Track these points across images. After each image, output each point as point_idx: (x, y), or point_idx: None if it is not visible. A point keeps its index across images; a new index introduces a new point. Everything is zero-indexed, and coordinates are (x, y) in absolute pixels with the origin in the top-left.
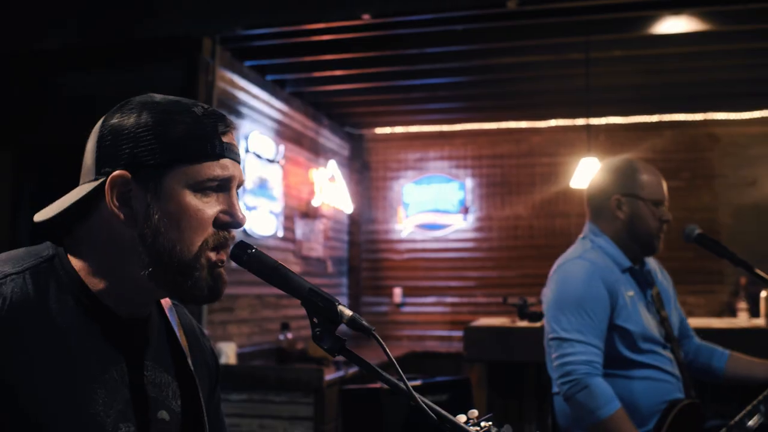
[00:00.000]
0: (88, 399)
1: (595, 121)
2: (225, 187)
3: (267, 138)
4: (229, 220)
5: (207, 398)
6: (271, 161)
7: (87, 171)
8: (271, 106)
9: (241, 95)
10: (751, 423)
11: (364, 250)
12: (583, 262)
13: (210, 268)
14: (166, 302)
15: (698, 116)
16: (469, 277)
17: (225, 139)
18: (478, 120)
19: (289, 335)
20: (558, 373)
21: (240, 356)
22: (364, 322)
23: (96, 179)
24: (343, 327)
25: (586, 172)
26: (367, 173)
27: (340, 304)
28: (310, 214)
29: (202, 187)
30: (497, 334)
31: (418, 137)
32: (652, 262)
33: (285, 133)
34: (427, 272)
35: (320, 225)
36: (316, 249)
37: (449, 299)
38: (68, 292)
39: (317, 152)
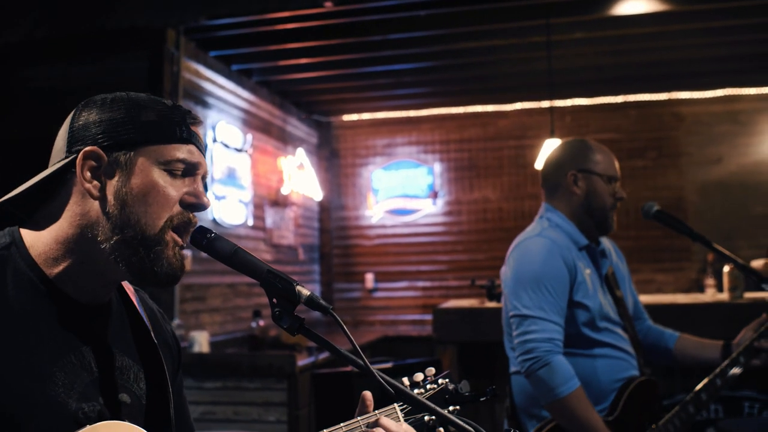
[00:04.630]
0: (47, 381)
1: (560, 103)
2: (191, 172)
3: (234, 128)
4: (194, 201)
5: (171, 378)
6: (239, 150)
7: (57, 152)
8: (238, 96)
9: (207, 85)
10: (732, 372)
11: (335, 236)
12: (542, 239)
13: (173, 247)
14: (129, 288)
15: (662, 96)
16: (440, 261)
17: (193, 128)
18: (444, 105)
19: (262, 323)
20: (519, 351)
21: (213, 344)
22: (321, 301)
23: (66, 157)
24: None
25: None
26: (335, 160)
27: (298, 284)
28: (279, 202)
29: (170, 168)
30: (466, 315)
31: (385, 123)
32: (606, 242)
33: (252, 123)
34: (398, 257)
35: (290, 213)
36: (287, 237)
37: (420, 283)
38: (26, 280)
39: (285, 141)
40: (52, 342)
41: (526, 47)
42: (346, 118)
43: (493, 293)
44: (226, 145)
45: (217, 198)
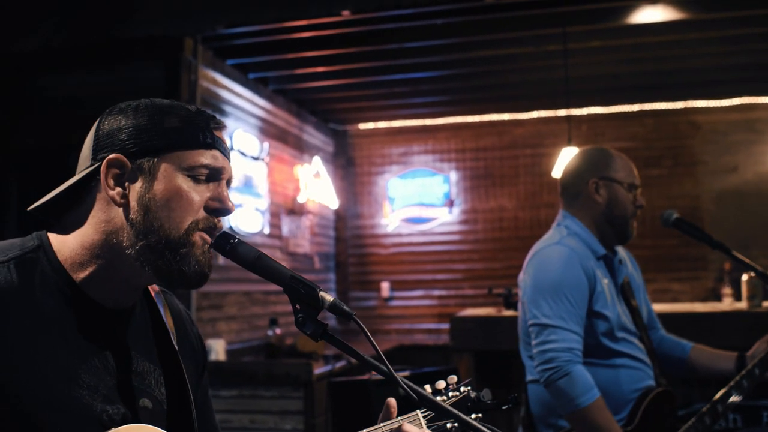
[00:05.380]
0: (72, 384)
1: (576, 111)
2: (215, 177)
3: (251, 136)
4: (218, 206)
5: (195, 384)
6: (255, 159)
7: (83, 159)
8: (255, 104)
9: (225, 94)
10: (733, 399)
11: (351, 245)
12: (561, 248)
13: (202, 246)
14: (153, 289)
15: (679, 104)
16: (456, 269)
17: (216, 133)
18: (460, 113)
19: (278, 331)
20: (539, 360)
21: (229, 353)
22: (344, 307)
23: (92, 164)
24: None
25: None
26: (351, 169)
27: (321, 290)
28: (296, 210)
29: (194, 173)
30: (483, 323)
31: (401, 132)
32: (621, 251)
33: (269, 131)
34: (414, 266)
35: (306, 221)
36: (303, 245)
37: (436, 292)
38: (52, 283)
39: (302, 149)
40: (77, 345)
41: (542, 56)
42: (363, 126)
43: (510, 301)
44: (243, 153)
45: (234, 206)
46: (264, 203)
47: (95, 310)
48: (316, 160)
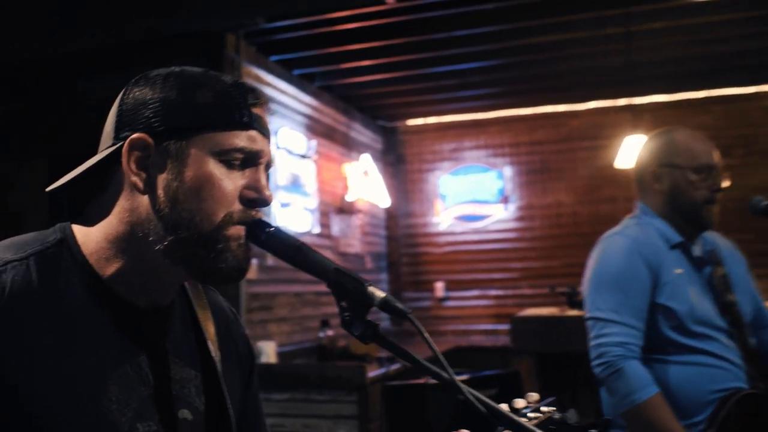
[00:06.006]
0: (99, 396)
1: (637, 100)
2: (252, 161)
3: (297, 133)
4: (254, 197)
5: (241, 391)
6: (303, 157)
7: (105, 137)
8: (300, 101)
9: (269, 91)
10: None
11: (403, 244)
12: (620, 238)
13: (237, 239)
14: (194, 287)
15: (749, 89)
16: (513, 268)
17: (255, 111)
18: (513, 106)
19: (330, 332)
20: (591, 355)
21: (281, 355)
22: (398, 304)
23: (114, 144)
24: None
25: (631, 151)
26: (401, 166)
27: (370, 284)
28: (345, 209)
29: (227, 158)
30: (546, 323)
31: (452, 127)
32: (721, 242)
33: (316, 128)
34: (469, 265)
35: (356, 220)
36: (354, 245)
37: (493, 292)
38: (76, 280)
39: (350, 146)
40: (107, 351)
41: (601, 40)
42: (412, 122)
43: (575, 300)
44: (290, 152)
45: (282, 205)
46: (313, 202)
47: (126, 309)
48: (365, 157)
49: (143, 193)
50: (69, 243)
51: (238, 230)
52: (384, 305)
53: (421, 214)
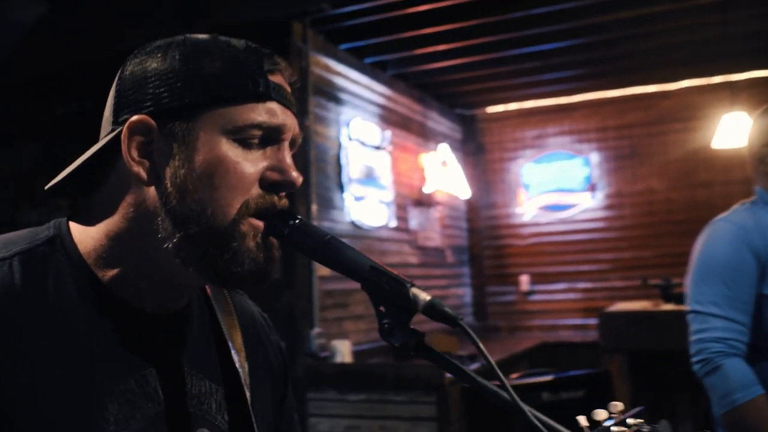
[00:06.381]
0: (95, 417)
1: (735, 77)
2: (273, 138)
3: (371, 124)
4: (278, 179)
5: (273, 407)
6: (377, 148)
7: (105, 124)
8: (373, 91)
9: (339, 81)
10: None
11: (486, 236)
12: (725, 224)
13: (255, 236)
14: (216, 289)
15: None
16: (602, 259)
17: (273, 78)
18: (599, 88)
19: None
20: (691, 352)
21: (356, 354)
22: (446, 309)
23: (113, 130)
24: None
25: (730, 130)
26: (482, 155)
27: (413, 285)
28: (423, 201)
29: (242, 136)
30: (638, 319)
31: (534, 113)
32: None
33: (390, 118)
34: (555, 257)
35: (435, 213)
36: (433, 238)
37: (581, 285)
38: (71, 283)
39: (426, 136)
40: (106, 364)
41: (693, 12)
42: (491, 109)
43: (670, 294)
44: (363, 143)
45: (356, 199)
46: (388, 195)
47: (130, 315)
48: (443, 147)
49: (148, 184)
50: (63, 241)
51: (256, 224)
52: (429, 310)
53: (503, 205)
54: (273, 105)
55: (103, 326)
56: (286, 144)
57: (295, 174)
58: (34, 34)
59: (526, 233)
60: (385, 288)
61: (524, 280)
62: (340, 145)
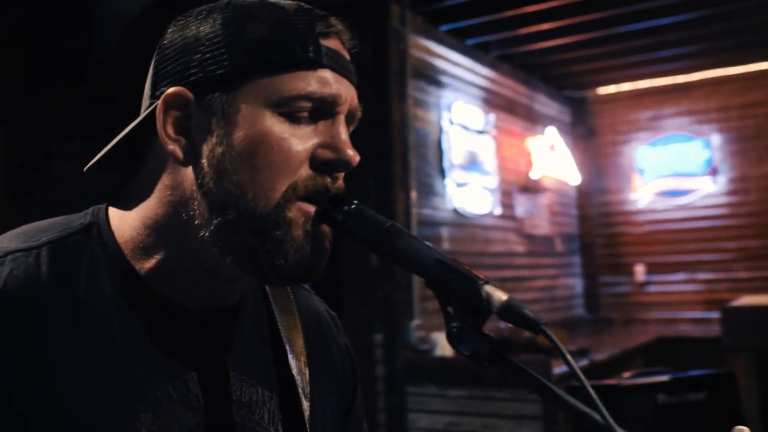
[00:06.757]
0: (124, 427)
1: None
2: (326, 111)
3: (473, 108)
4: (331, 157)
5: (339, 418)
6: (480, 132)
7: (144, 99)
8: (476, 73)
9: (440, 63)
10: None
11: (597, 224)
12: None
13: (304, 224)
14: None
15: None
16: (725, 248)
17: (326, 43)
18: (720, 65)
19: None
20: None
21: None
22: (526, 312)
23: (150, 105)
24: None
25: None
26: (592, 139)
27: (486, 282)
28: (530, 188)
29: (290, 109)
30: (766, 314)
31: (648, 93)
32: None
33: (494, 101)
34: (673, 245)
35: (543, 199)
36: (541, 226)
37: (702, 275)
38: (105, 276)
39: (533, 120)
40: (141, 367)
41: None
42: (602, 91)
43: None
44: (466, 128)
45: (458, 185)
46: (493, 181)
47: (170, 313)
48: (551, 131)
49: (185, 164)
50: (100, 229)
51: (305, 210)
52: (506, 312)
53: (616, 191)
54: (325, 73)
55: (138, 324)
56: (342, 118)
57: (351, 152)
58: (139, 26)
59: (642, 220)
60: (451, 285)
61: (639, 270)
62: (441, 130)
